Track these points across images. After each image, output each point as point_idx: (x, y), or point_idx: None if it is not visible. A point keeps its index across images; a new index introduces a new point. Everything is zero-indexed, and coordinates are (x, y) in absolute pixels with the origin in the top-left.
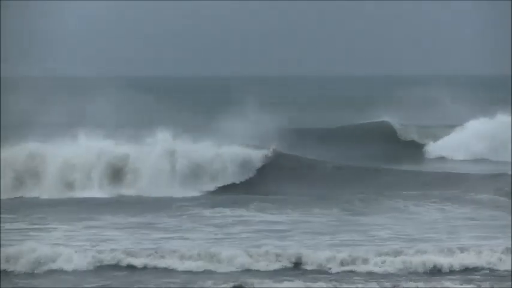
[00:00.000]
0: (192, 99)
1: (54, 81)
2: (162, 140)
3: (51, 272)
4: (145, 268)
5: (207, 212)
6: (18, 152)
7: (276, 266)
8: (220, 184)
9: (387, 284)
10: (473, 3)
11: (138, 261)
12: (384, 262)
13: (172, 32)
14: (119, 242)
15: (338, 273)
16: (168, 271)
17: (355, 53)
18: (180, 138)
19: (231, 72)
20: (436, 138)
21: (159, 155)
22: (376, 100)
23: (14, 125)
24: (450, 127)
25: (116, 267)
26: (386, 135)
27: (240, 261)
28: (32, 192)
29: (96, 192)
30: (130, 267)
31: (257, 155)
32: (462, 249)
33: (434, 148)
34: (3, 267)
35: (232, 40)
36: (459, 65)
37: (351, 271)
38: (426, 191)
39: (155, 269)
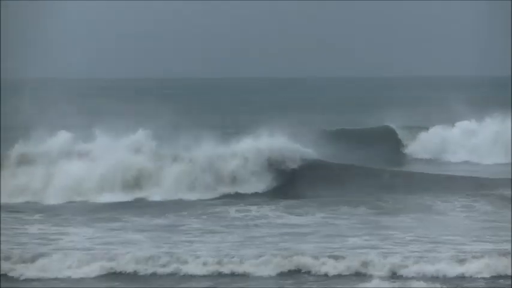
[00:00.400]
0: (202, 100)
1: (58, 83)
2: (185, 145)
3: (68, 276)
4: (163, 273)
5: (231, 214)
6: (40, 156)
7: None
8: (244, 188)
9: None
10: (474, 3)
11: (155, 266)
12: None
13: (183, 33)
14: (137, 245)
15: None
16: (186, 276)
17: (357, 54)
18: (203, 143)
19: (234, 74)
20: (441, 140)
21: (182, 163)
22: (377, 102)
23: (21, 127)
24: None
25: (134, 272)
26: (389, 140)
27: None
28: (51, 196)
29: (116, 196)
30: (150, 273)
31: (288, 158)
32: (484, 254)
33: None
34: (12, 272)
35: (231, 41)
36: (460, 67)
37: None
38: (447, 194)
39: (173, 274)
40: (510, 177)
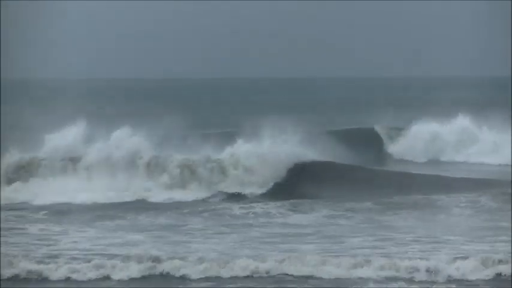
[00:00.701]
0: (202, 101)
1: (58, 83)
2: (187, 146)
3: (68, 277)
4: (163, 274)
5: (232, 214)
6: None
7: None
8: (246, 189)
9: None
10: (474, 3)
11: (155, 267)
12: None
13: (183, 33)
14: (138, 245)
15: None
16: (186, 277)
17: (357, 54)
18: (205, 144)
19: (234, 74)
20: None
21: (184, 165)
22: (377, 102)
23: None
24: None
25: (133, 273)
26: (374, 141)
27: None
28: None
29: (117, 196)
30: (149, 274)
31: (289, 160)
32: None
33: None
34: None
35: (231, 41)
36: (460, 67)
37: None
38: (450, 194)
39: (173, 275)
40: (510, 178)
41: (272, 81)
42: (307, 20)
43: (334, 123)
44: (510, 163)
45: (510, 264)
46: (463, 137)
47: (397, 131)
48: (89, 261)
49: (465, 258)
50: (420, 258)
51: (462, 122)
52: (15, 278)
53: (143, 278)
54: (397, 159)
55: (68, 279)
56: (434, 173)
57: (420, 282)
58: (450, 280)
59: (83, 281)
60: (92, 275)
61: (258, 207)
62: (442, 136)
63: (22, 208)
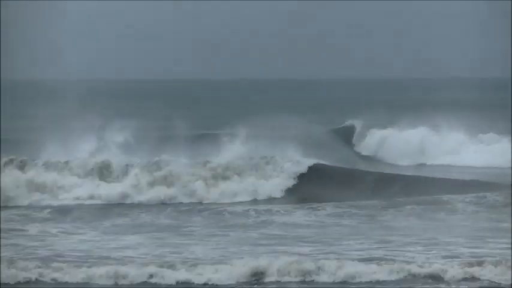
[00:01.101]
0: (203, 102)
1: (58, 84)
2: (186, 148)
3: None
4: (158, 276)
5: (231, 213)
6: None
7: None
8: (245, 191)
9: None
10: (474, 3)
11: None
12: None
13: (183, 33)
14: (136, 247)
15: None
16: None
17: (357, 54)
18: (204, 145)
19: (233, 75)
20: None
21: (184, 167)
22: (376, 103)
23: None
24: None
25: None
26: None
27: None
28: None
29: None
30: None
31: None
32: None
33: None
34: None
35: (225, 41)
36: (460, 68)
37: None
38: (450, 196)
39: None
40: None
41: (272, 82)
42: (307, 20)
43: (334, 123)
44: (510, 165)
45: (510, 266)
46: (458, 139)
47: (388, 132)
48: (83, 265)
49: (465, 259)
50: (421, 260)
51: (457, 124)
52: (13, 279)
53: (141, 282)
54: (389, 162)
55: (63, 282)
56: (428, 175)
57: (420, 283)
58: (451, 282)
59: (78, 283)
60: (88, 278)
61: (257, 208)
62: (437, 139)
63: (20, 208)
